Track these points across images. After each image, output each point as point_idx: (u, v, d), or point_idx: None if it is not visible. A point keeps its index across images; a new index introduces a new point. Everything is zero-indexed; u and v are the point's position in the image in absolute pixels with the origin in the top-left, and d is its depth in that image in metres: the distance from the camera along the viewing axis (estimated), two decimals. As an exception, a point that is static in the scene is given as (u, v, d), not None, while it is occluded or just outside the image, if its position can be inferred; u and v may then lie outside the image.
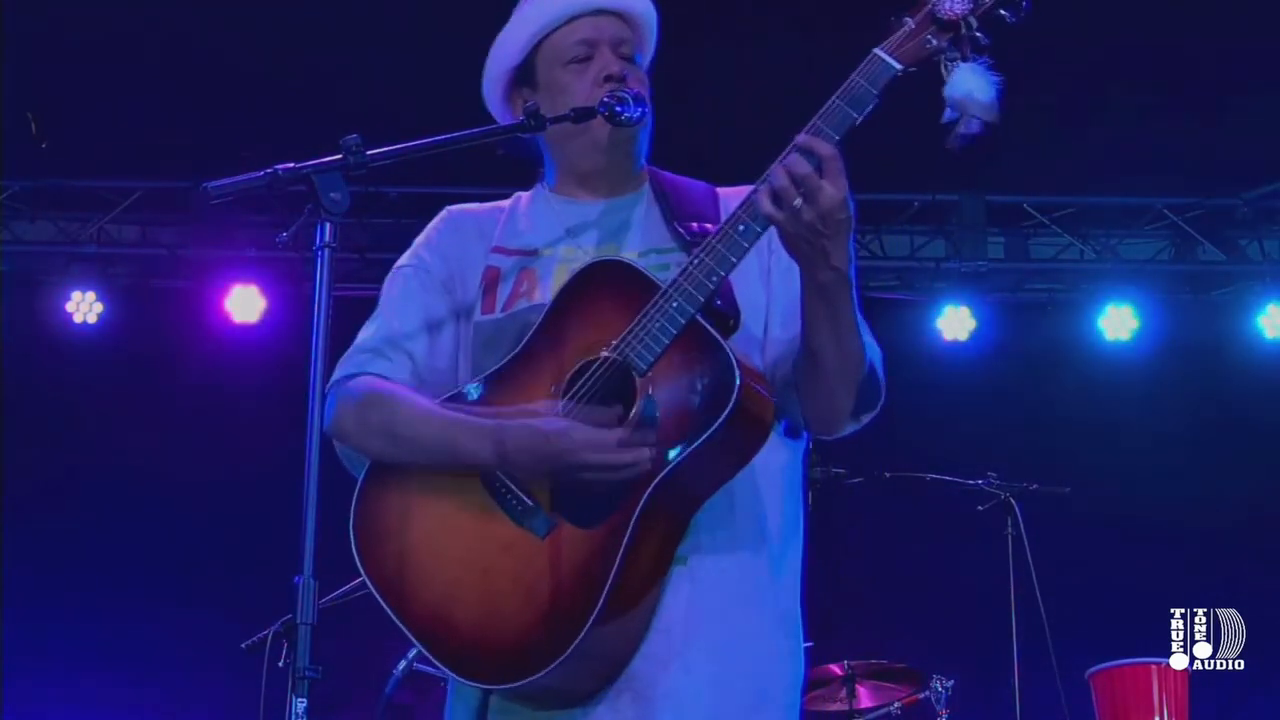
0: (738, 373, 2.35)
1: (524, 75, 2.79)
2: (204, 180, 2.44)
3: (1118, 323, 9.01)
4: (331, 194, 2.43)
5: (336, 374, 2.69)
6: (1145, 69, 7.69)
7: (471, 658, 2.44)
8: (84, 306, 8.89)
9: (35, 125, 8.17)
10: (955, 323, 8.97)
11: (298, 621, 2.26)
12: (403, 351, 2.70)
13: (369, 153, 2.48)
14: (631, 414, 2.42)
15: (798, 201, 2.31)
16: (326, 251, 2.42)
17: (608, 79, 2.69)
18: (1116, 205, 9.14)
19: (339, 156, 2.46)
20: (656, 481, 2.36)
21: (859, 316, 2.49)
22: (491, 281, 2.72)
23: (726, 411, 2.33)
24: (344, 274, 8.17)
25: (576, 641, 2.33)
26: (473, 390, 2.61)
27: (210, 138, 7.69)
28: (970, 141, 2.40)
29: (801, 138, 2.35)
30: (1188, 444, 8.65)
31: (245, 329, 8.82)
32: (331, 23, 7.39)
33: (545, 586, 2.40)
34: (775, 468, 2.60)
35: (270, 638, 3.87)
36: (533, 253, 2.73)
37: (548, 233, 2.75)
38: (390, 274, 2.82)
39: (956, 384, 8.66)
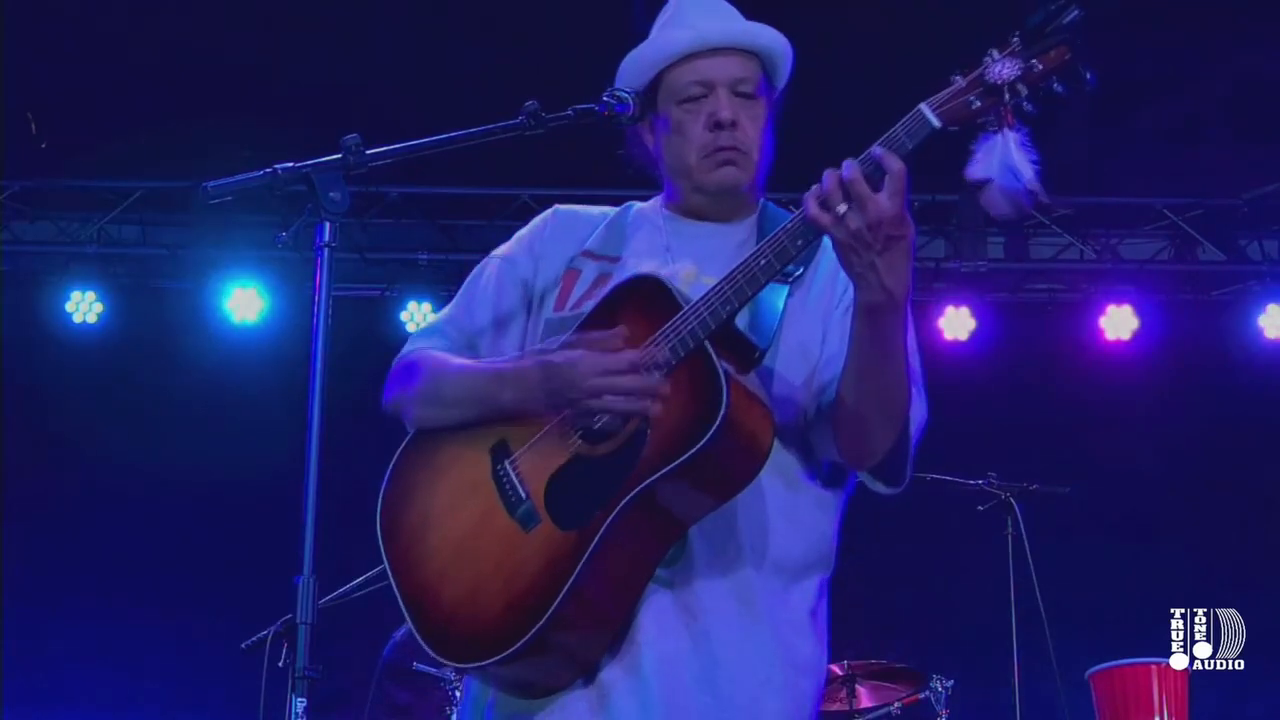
0: (725, 400, 2.35)
1: (648, 101, 2.78)
2: (204, 180, 2.44)
3: (1118, 323, 9.01)
4: (331, 194, 2.43)
5: (401, 352, 2.78)
6: (1145, 69, 7.69)
7: (444, 634, 2.50)
8: (84, 306, 8.89)
9: (35, 125, 8.18)
10: (955, 323, 8.97)
11: (298, 621, 2.27)
12: (462, 332, 2.78)
13: (369, 153, 2.49)
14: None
15: (842, 207, 2.30)
16: (326, 251, 2.42)
17: (717, 125, 2.68)
18: (1116, 205, 9.14)
19: (339, 156, 2.46)
20: (633, 494, 2.38)
21: (910, 362, 2.49)
22: (570, 282, 2.76)
23: (705, 439, 2.34)
24: (344, 274, 8.28)
25: (527, 637, 2.37)
26: None
27: (210, 138, 7.70)
28: (1017, 211, 2.37)
29: (876, 150, 2.33)
30: (1188, 444, 8.65)
31: (245, 329, 8.83)
32: (332, 22, 7.40)
33: (518, 579, 2.45)
34: (801, 508, 2.60)
35: (270, 638, 3.87)
36: (616, 259, 2.76)
37: (639, 245, 2.78)
38: (483, 261, 2.88)
39: (956, 384, 8.65)
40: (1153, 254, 9.37)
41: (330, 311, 2.39)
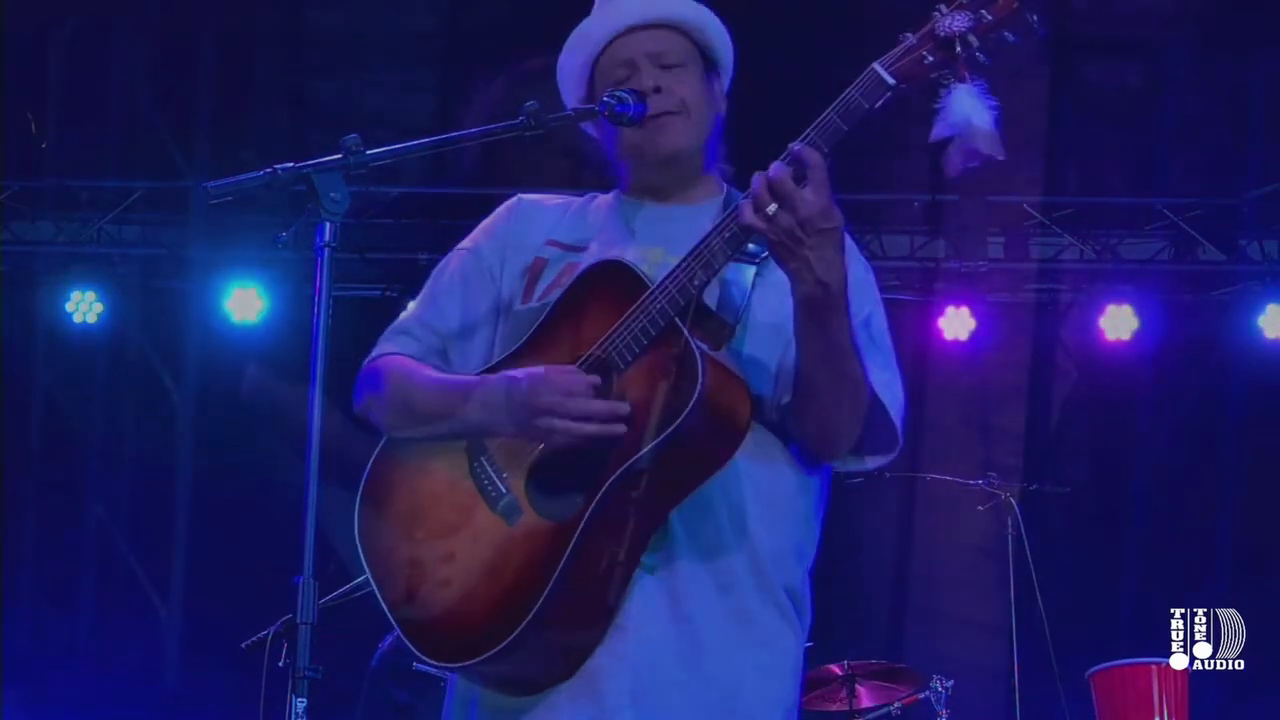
0: (701, 375, 2.36)
1: (590, 97, 2.81)
2: (204, 180, 2.44)
3: (1118, 323, 9.01)
4: (331, 194, 2.43)
5: (370, 355, 2.76)
6: (1145, 69, 7.69)
7: (432, 635, 2.50)
8: (84, 306, 8.89)
9: (35, 125, 8.18)
10: (955, 323, 8.96)
11: (298, 621, 2.27)
12: (433, 332, 2.76)
13: (369, 153, 2.49)
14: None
15: (772, 208, 2.32)
16: (326, 251, 2.42)
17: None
18: (1116, 205, 9.14)
19: (339, 156, 2.46)
20: (614, 478, 2.38)
21: (859, 345, 2.47)
22: (536, 273, 2.75)
23: (684, 415, 2.35)
24: (344, 274, 8.28)
25: (517, 632, 2.37)
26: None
27: (210, 138, 7.70)
28: (969, 164, 2.39)
29: (795, 146, 2.35)
30: (1187, 444, 8.65)
31: (245, 329, 8.82)
32: (333, 23, 7.39)
33: (503, 574, 2.45)
34: (780, 492, 2.60)
35: (270, 638, 3.87)
36: (581, 248, 2.75)
37: (602, 231, 2.77)
38: (447, 255, 2.86)
39: (957, 384, 8.66)
40: (1153, 254, 9.36)
41: (330, 311, 2.39)
